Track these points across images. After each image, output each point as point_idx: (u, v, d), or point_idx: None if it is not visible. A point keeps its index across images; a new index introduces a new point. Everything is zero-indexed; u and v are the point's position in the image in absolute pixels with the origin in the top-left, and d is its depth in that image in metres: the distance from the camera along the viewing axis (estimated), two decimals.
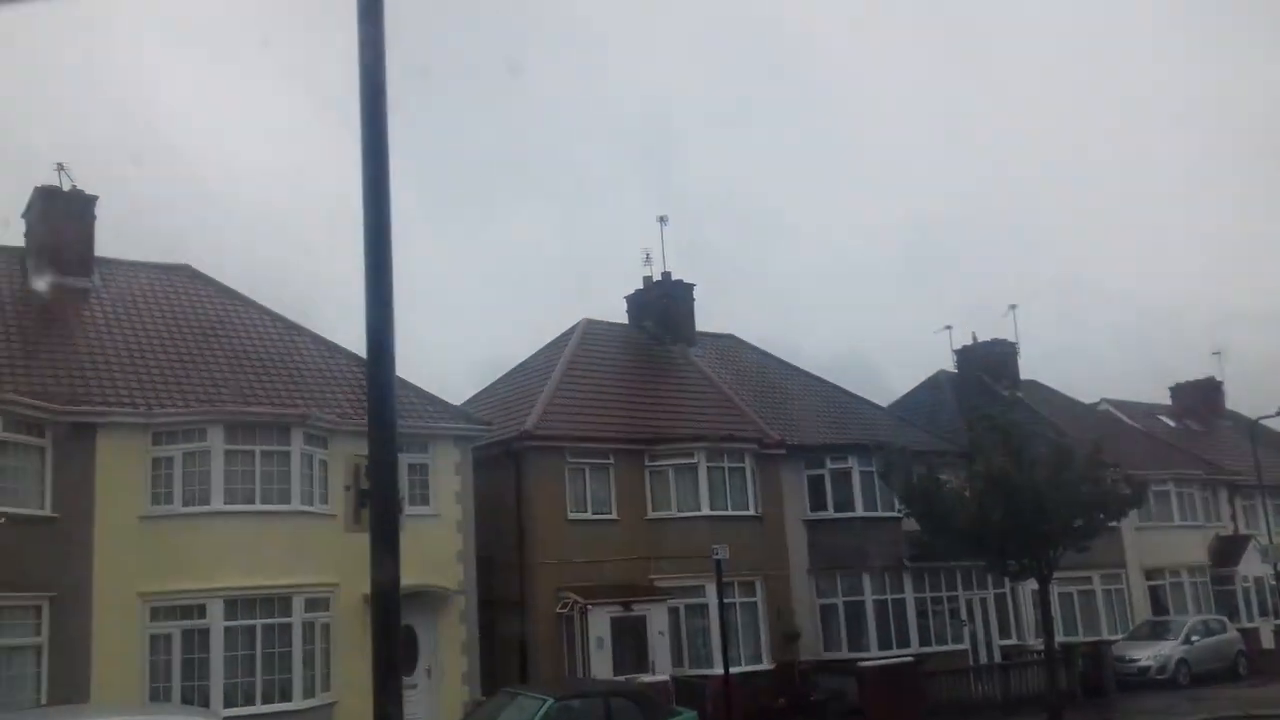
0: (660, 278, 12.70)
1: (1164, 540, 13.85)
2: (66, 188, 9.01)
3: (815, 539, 11.05)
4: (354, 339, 9.26)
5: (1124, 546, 13.34)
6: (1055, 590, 10.67)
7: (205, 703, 7.27)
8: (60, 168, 9.15)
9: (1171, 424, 16.71)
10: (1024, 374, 15.44)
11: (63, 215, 9.05)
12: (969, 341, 15.27)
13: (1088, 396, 16.33)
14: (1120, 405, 16.39)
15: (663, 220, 12.96)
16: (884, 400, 14.36)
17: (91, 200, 9.09)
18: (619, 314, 12.96)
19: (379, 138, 3.03)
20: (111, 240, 9.56)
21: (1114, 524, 10.56)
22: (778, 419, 11.71)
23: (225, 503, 7.69)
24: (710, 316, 13.74)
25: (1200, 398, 17.21)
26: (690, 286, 12.97)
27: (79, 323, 8.57)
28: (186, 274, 9.62)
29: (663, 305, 12.55)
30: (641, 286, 12.82)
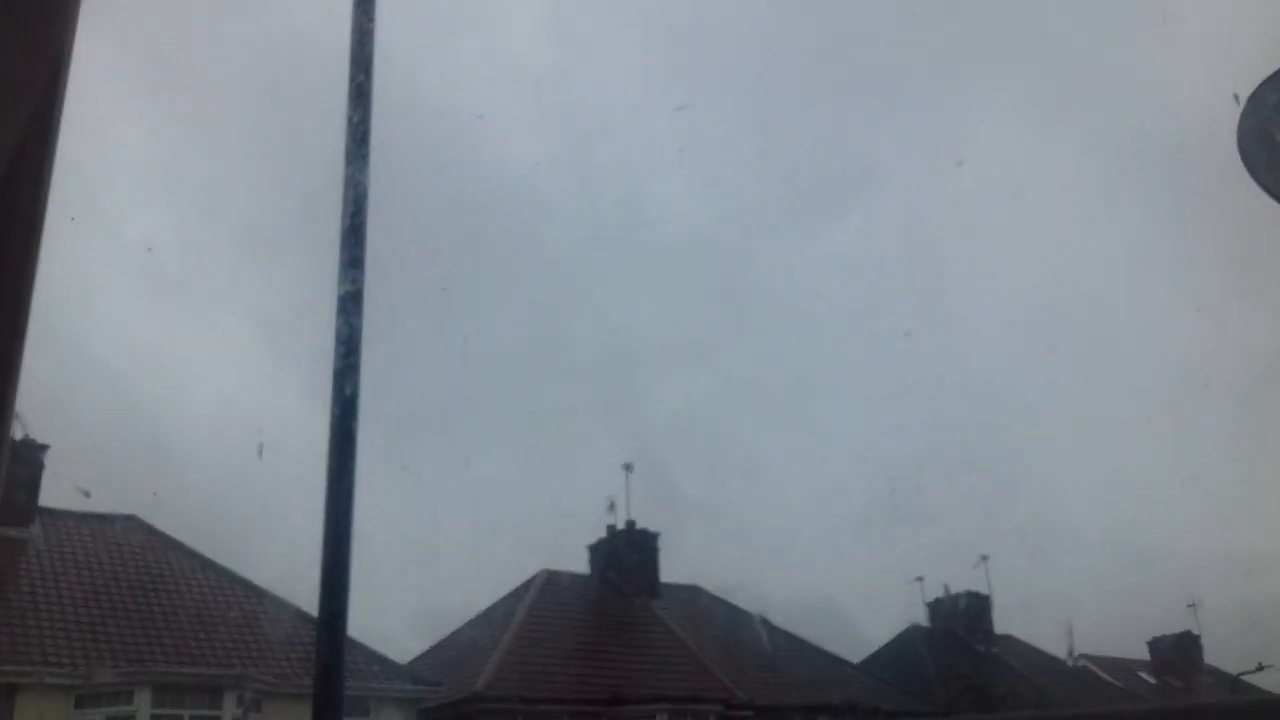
0: (624, 526, 12.51)
1: None
2: (19, 436, 8.93)
3: None
4: (299, 590, 8.95)
5: None
6: None
7: None
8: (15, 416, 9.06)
9: (1151, 680, 16.21)
10: (999, 626, 15.05)
11: (11, 464, 8.87)
12: (941, 594, 14.96)
13: (1065, 650, 15.88)
14: (1098, 661, 15.93)
15: (628, 468, 12.88)
16: (856, 653, 13.88)
17: (42, 449, 9.00)
18: (580, 561, 12.67)
19: (350, 402, 3.01)
20: (59, 487, 9.41)
21: None
22: (744, 677, 11.26)
23: None
24: (675, 562, 13.52)
25: (1178, 652, 16.79)
26: (655, 536, 12.74)
27: (12, 576, 8.30)
28: (132, 524, 9.41)
29: (626, 555, 12.30)
30: (605, 535, 12.59)
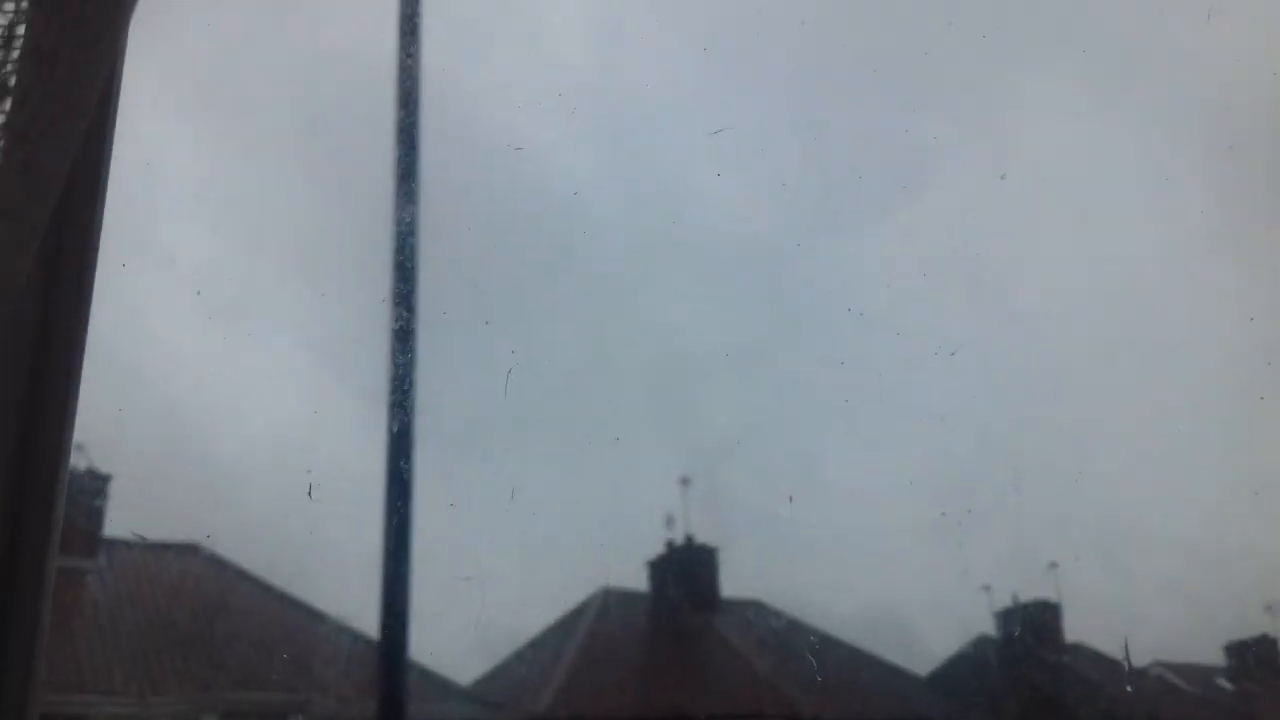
0: (683, 542, 12.42)
1: None
2: (82, 468, 9.05)
3: None
4: (360, 613, 8.96)
5: None
6: None
7: None
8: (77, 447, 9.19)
9: (1229, 686, 15.76)
10: (1069, 634, 14.70)
11: (75, 496, 9.03)
12: (1009, 603, 14.64)
13: (1138, 657, 15.45)
14: (1173, 668, 15.50)
15: (685, 482, 12.77)
16: (922, 664, 13.61)
17: (104, 480, 9.10)
18: (638, 579, 12.58)
19: (406, 434, 2.99)
20: (122, 518, 9.51)
21: None
22: (808, 692, 11.09)
23: None
24: (735, 577, 13.39)
25: (1257, 657, 16.33)
26: (713, 551, 12.64)
27: (78, 607, 8.41)
28: (195, 553, 9.49)
29: (686, 571, 12.22)
30: (663, 551, 12.52)
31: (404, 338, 3.22)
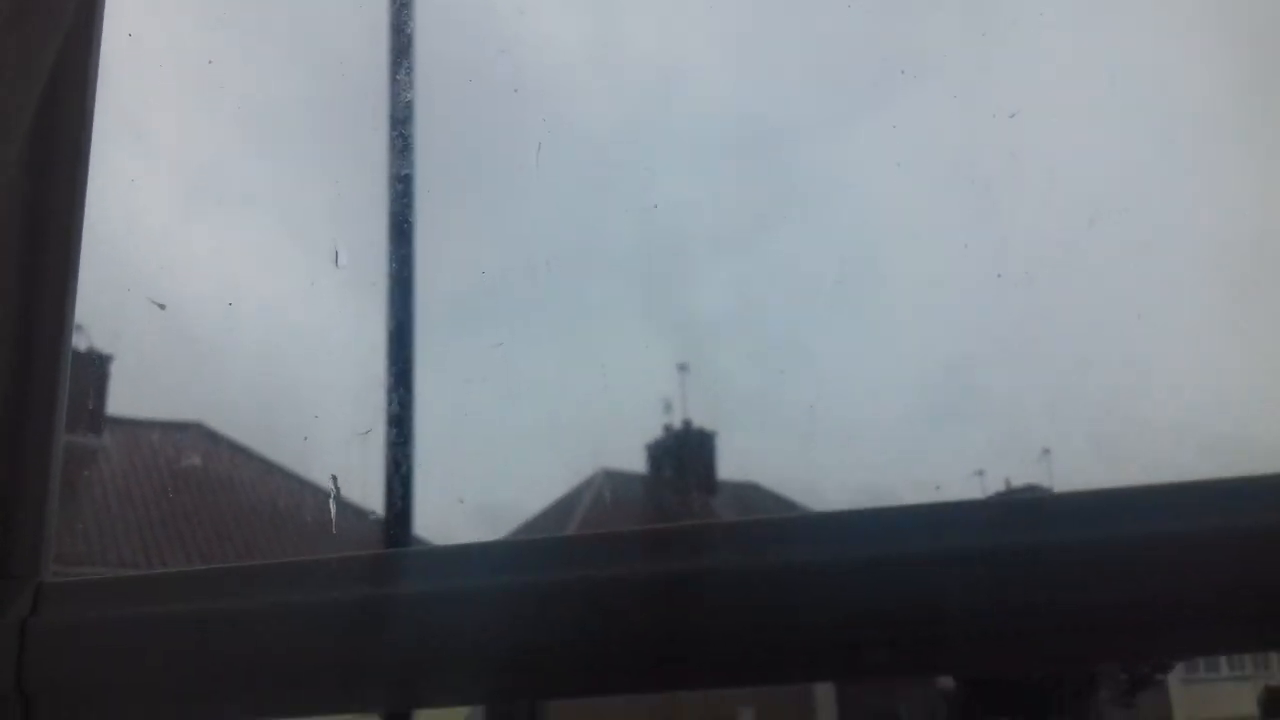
0: (681, 426, 12.52)
1: (1211, 693, 13.11)
2: (83, 348, 9.01)
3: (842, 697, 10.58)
4: (362, 491, 9.08)
5: (1170, 702, 12.63)
6: None
7: None
8: (78, 329, 9.16)
9: None
10: None
11: (79, 376, 9.02)
12: (1001, 488, 14.86)
13: None
14: None
15: (683, 368, 12.80)
16: None
17: (106, 360, 9.07)
18: (636, 462, 12.71)
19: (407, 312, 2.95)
20: (124, 397, 9.56)
21: (1161, 677, 9.99)
22: None
23: None
24: (733, 460, 13.54)
25: None
26: (711, 435, 12.76)
27: (85, 483, 8.50)
28: (198, 432, 9.56)
29: (684, 454, 12.34)
30: (661, 435, 12.62)
31: (402, 222, 3.11)
